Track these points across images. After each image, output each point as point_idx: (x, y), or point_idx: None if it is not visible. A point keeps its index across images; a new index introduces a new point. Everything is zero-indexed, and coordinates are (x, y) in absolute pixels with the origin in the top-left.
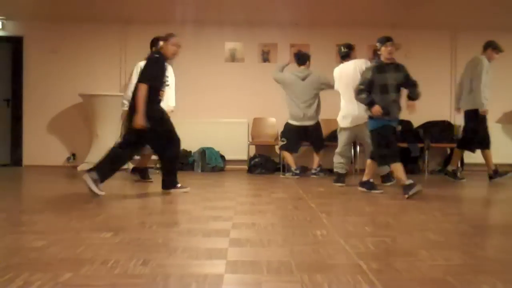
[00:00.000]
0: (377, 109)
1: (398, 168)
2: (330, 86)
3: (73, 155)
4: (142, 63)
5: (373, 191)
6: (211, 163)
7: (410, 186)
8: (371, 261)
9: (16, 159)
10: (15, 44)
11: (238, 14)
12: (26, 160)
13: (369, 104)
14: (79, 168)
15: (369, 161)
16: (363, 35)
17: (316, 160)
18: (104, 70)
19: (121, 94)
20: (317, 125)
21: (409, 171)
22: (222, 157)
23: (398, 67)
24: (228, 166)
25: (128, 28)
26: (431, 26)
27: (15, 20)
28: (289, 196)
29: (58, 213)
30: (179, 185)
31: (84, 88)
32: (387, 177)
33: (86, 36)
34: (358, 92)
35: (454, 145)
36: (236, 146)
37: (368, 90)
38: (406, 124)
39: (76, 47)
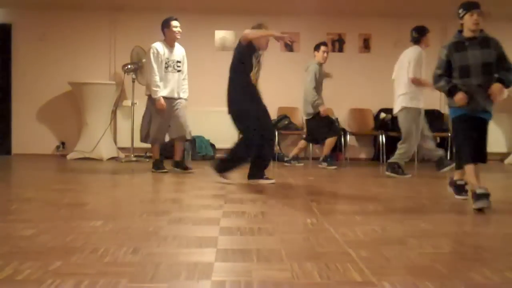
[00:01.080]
0: (460, 96)
1: (469, 171)
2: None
3: (63, 143)
4: (156, 45)
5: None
6: (201, 151)
7: (479, 197)
8: (361, 249)
9: (5, 147)
10: (3, 32)
11: (228, 2)
12: (15, 148)
13: (450, 92)
14: (68, 157)
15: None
16: (354, 24)
17: (297, 148)
18: (93, 58)
19: (111, 83)
20: (310, 120)
21: None
22: (212, 145)
23: (486, 42)
24: (218, 155)
25: (118, 16)
26: (422, 15)
27: (4, 7)
28: (279, 185)
29: (48, 201)
30: (224, 174)
31: (73, 76)
32: (441, 163)
33: (76, 23)
34: (436, 80)
35: (444, 134)
36: (226, 135)
37: (447, 75)
38: None
39: (65, 34)
